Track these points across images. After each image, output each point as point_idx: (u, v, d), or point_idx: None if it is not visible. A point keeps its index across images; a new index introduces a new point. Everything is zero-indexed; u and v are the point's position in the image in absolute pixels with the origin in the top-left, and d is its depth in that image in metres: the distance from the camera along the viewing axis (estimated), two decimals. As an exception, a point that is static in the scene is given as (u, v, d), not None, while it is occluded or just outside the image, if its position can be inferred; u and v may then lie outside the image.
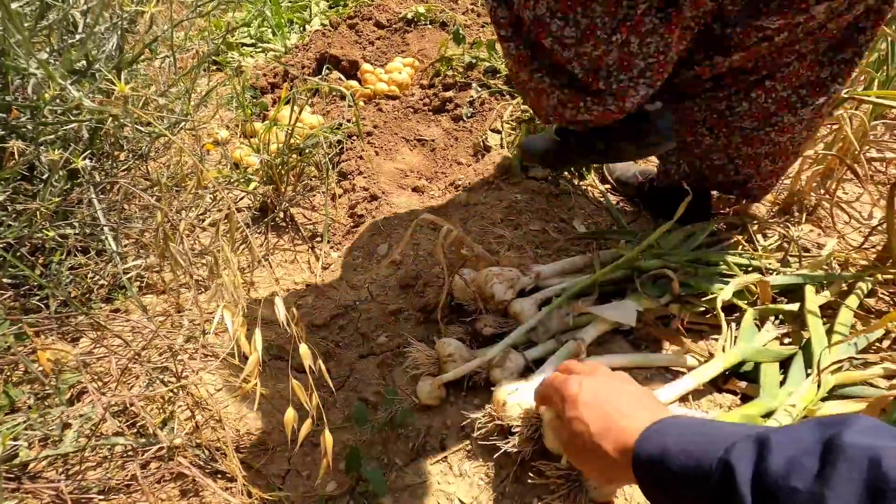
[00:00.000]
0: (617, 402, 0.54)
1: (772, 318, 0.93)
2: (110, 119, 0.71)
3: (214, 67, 1.86)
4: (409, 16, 2.17)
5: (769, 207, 1.35)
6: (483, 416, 0.73)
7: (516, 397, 0.71)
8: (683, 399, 0.80)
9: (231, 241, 0.61)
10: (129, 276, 0.81)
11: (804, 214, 1.28)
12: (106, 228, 0.74)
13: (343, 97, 1.73)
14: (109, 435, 0.62)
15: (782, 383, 0.79)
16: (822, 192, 1.31)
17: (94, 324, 0.72)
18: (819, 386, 0.74)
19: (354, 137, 1.48)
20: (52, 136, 0.83)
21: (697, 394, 0.83)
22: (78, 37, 0.79)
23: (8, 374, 0.80)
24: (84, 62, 0.88)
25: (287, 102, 1.30)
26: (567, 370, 0.65)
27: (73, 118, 0.78)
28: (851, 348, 0.84)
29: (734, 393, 0.85)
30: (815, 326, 0.84)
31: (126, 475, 0.74)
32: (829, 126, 1.33)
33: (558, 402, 0.59)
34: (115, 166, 1.06)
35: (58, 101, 0.87)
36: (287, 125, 1.23)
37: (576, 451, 0.55)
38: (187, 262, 0.67)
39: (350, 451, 0.75)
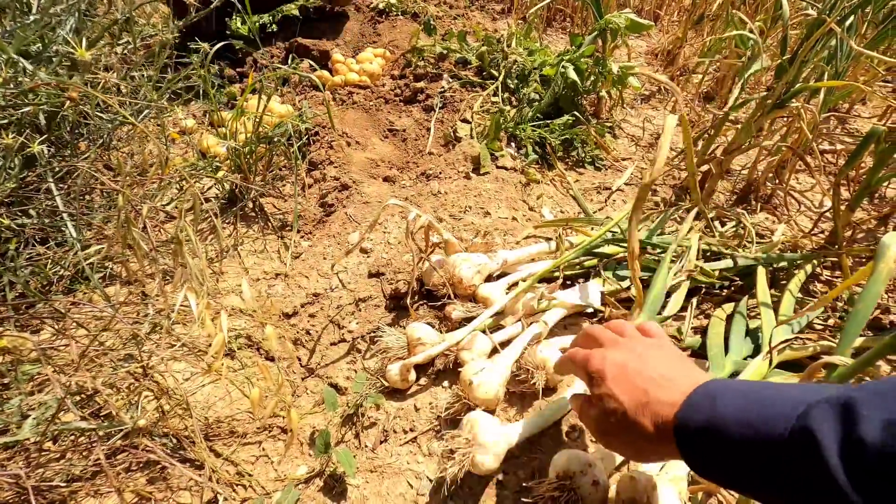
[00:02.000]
0: (649, 371, 0.48)
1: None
2: (67, 104, 0.69)
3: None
4: (381, 6, 2.16)
5: (727, 196, 1.40)
6: (451, 397, 0.75)
7: (481, 377, 0.73)
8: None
9: (196, 224, 0.61)
10: (90, 262, 0.79)
11: (759, 203, 1.34)
12: (65, 216, 0.72)
13: (315, 87, 1.71)
14: (71, 422, 0.61)
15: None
16: (777, 181, 1.37)
17: (54, 312, 0.70)
18: (770, 362, 0.79)
19: (325, 127, 1.47)
20: (5, 121, 0.80)
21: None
22: (32, 17, 0.76)
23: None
24: (40, 45, 0.85)
25: (254, 91, 1.28)
26: (588, 338, 0.58)
27: (28, 101, 0.75)
28: (789, 329, 0.88)
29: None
30: (765, 306, 0.88)
31: (91, 464, 0.74)
32: (783, 118, 1.39)
33: (583, 378, 0.54)
34: (74, 154, 1.03)
35: (11, 85, 0.84)
36: (255, 113, 1.21)
37: (608, 431, 0.49)
38: (150, 247, 0.66)
39: (319, 434, 0.76)
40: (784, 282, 1.03)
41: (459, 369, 0.79)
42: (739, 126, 1.25)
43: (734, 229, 1.19)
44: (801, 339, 0.85)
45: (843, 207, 1.06)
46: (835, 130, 1.77)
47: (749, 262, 0.98)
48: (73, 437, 0.75)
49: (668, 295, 0.92)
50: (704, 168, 1.36)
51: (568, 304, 0.88)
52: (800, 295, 0.97)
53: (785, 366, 0.82)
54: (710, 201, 1.34)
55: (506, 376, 0.76)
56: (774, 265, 1.02)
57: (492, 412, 0.76)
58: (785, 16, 1.15)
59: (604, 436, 0.51)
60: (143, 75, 1.24)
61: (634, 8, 2.52)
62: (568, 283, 0.95)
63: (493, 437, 0.65)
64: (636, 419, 0.46)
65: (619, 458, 0.69)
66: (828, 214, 1.24)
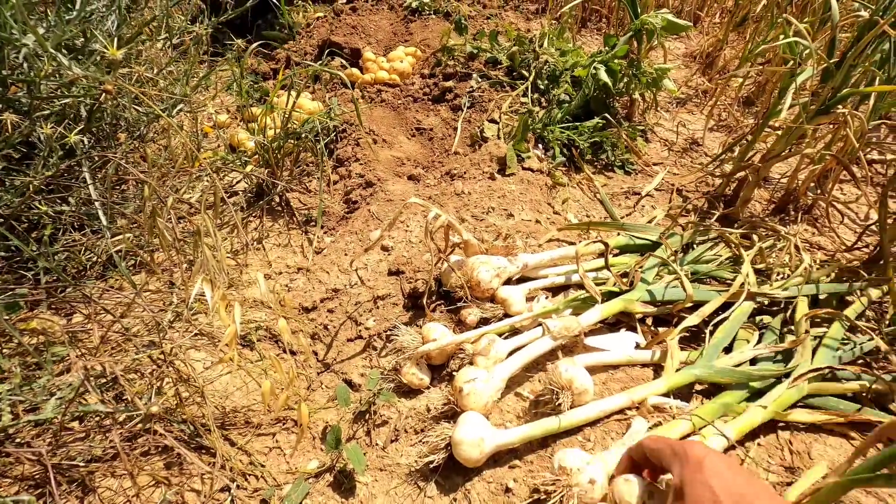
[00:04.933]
0: (749, 489, 0.47)
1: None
2: (104, 96, 0.71)
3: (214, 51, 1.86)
4: (414, 5, 2.16)
5: (764, 206, 1.34)
6: (439, 398, 0.74)
7: (473, 385, 0.71)
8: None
9: (218, 217, 0.62)
10: (118, 249, 0.81)
11: (799, 213, 1.27)
12: (97, 203, 0.75)
13: (344, 84, 1.73)
14: (90, 404, 0.63)
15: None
16: (819, 191, 1.30)
17: (84, 297, 0.73)
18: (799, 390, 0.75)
19: (352, 124, 1.48)
20: (47, 112, 0.84)
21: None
22: (75, 13, 0.79)
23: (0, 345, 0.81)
24: (81, 39, 0.88)
25: (284, 87, 1.30)
26: (663, 445, 0.57)
27: (67, 94, 0.78)
28: (835, 359, 0.83)
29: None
30: (804, 341, 0.83)
31: (109, 446, 0.76)
32: (829, 125, 1.32)
33: (669, 459, 0.54)
34: (112, 146, 1.07)
35: (55, 76, 0.88)
36: (284, 109, 1.23)
37: None
38: (174, 236, 0.68)
39: (331, 430, 0.76)
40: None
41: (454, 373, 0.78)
42: (780, 132, 1.19)
43: (771, 242, 1.13)
44: (839, 370, 0.80)
45: (890, 221, 1.00)
46: (885, 139, 1.67)
47: (792, 293, 0.93)
48: (97, 419, 0.78)
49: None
50: (741, 175, 1.30)
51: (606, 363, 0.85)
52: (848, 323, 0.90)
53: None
54: (745, 210, 1.28)
55: (499, 388, 0.75)
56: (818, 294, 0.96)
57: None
58: (834, 17, 1.09)
59: None
60: (178, 70, 1.28)
61: (673, 9, 2.44)
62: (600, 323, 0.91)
63: (475, 434, 0.65)
64: None
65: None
66: (873, 228, 1.17)
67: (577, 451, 0.65)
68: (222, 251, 0.57)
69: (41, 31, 0.86)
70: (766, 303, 0.97)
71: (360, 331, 0.98)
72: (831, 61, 1.08)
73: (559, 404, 0.71)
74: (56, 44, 0.74)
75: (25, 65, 0.81)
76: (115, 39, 0.75)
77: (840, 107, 1.09)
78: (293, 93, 1.24)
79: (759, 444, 0.78)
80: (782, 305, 0.96)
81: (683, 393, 0.82)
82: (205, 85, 1.52)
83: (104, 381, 0.77)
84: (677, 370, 0.80)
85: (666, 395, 0.78)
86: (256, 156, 1.30)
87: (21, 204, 0.78)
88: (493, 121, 1.48)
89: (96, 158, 1.00)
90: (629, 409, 0.77)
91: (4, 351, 0.80)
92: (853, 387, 0.80)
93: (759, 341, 0.89)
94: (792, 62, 1.14)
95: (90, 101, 0.77)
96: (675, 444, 0.55)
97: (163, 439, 0.73)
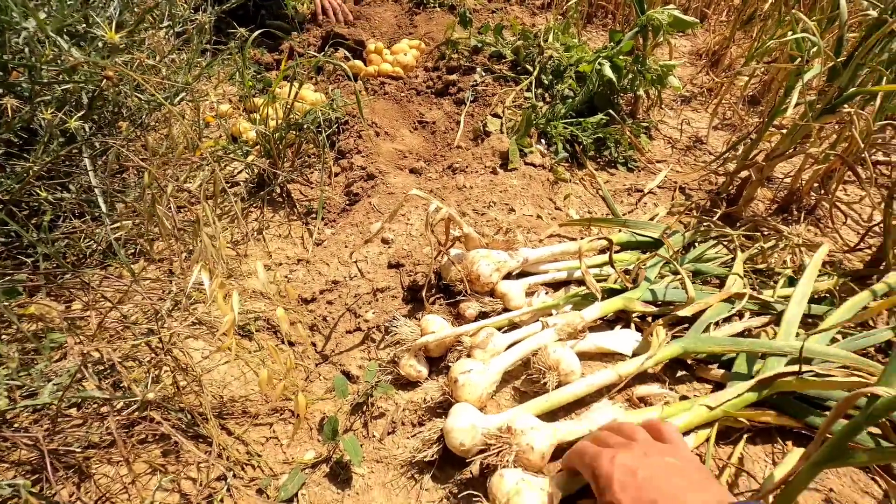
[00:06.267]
0: (664, 484, 0.45)
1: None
2: (105, 82, 0.71)
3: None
4: (419, -3, 2.15)
5: (767, 205, 1.34)
6: (436, 390, 0.74)
7: (469, 377, 0.71)
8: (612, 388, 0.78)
9: (217, 206, 0.62)
10: (117, 237, 0.81)
11: (801, 213, 1.27)
12: (97, 191, 0.74)
13: (348, 76, 1.72)
14: (86, 390, 0.63)
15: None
16: (823, 192, 1.29)
17: (82, 283, 0.72)
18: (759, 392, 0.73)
19: (355, 116, 1.48)
20: (48, 97, 0.84)
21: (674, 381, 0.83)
22: (76, -2, 0.79)
23: (-2, 330, 0.81)
24: (83, 24, 0.88)
25: (287, 78, 1.29)
26: (597, 441, 0.56)
27: (69, 80, 0.78)
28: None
29: (708, 381, 0.84)
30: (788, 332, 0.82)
31: (108, 433, 0.76)
32: (833, 125, 1.31)
33: (589, 478, 0.51)
34: (114, 134, 1.07)
35: (56, 63, 0.87)
36: (286, 99, 1.22)
37: None
38: (173, 225, 0.67)
39: (328, 421, 0.76)
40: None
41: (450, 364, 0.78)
42: (784, 131, 1.18)
43: (772, 242, 1.12)
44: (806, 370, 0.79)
45: (894, 222, 0.99)
46: (892, 141, 1.66)
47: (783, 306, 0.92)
48: (94, 407, 0.78)
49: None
50: (744, 174, 1.30)
51: (601, 349, 0.84)
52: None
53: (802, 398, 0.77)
54: (748, 209, 1.27)
55: (495, 381, 0.74)
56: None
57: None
58: (843, 15, 1.08)
59: None
60: (180, 58, 1.27)
61: (680, 6, 2.42)
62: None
63: (466, 422, 0.65)
64: None
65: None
66: (877, 229, 1.16)
67: (531, 417, 0.66)
68: (221, 240, 0.56)
69: (42, 15, 0.86)
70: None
71: (358, 323, 0.97)
72: (838, 60, 1.07)
73: (545, 383, 0.71)
74: (57, 28, 0.74)
75: (27, 49, 0.81)
76: (116, 25, 0.75)
77: (846, 106, 1.08)
78: (296, 83, 1.23)
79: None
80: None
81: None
82: (207, 74, 1.51)
83: (102, 368, 0.77)
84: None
85: (654, 371, 0.77)
86: (258, 146, 1.30)
87: (21, 190, 0.78)
88: (496, 115, 1.48)
89: (97, 146, 0.99)
90: (616, 385, 0.76)
91: (3, 337, 0.80)
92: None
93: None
94: (799, 60, 1.13)
95: (92, 87, 0.77)
96: (588, 454, 0.52)
97: (160, 427, 0.73)
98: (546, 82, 1.57)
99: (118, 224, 0.78)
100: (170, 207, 0.68)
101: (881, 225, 1.05)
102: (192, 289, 0.75)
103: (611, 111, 1.45)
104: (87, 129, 0.98)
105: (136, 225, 1.00)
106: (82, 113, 0.89)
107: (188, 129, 0.71)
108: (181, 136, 1.14)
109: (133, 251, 1.07)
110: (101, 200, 0.75)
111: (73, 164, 1.00)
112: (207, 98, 1.27)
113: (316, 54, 1.79)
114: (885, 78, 1.12)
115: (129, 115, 1.15)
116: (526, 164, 1.32)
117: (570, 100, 1.47)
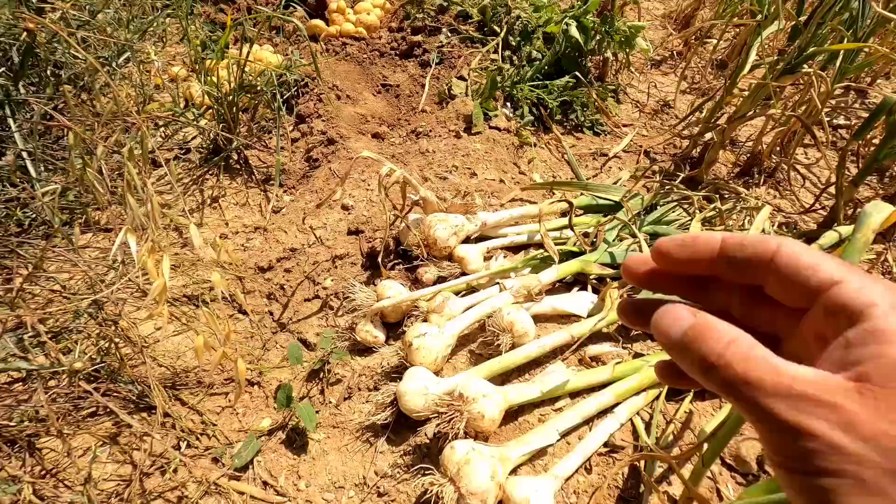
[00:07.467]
0: None
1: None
2: (24, 35, 0.65)
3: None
4: (383, -47, 2.04)
5: (729, 168, 1.35)
6: (393, 355, 0.74)
7: (423, 340, 0.71)
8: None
9: (145, 168, 0.58)
10: (48, 201, 0.77)
11: (762, 176, 1.28)
12: (24, 153, 0.70)
13: (310, 37, 1.65)
14: (11, 360, 0.60)
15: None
16: (783, 154, 1.31)
17: (15, 253, 0.69)
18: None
19: (315, 79, 1.42)
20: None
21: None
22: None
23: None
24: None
25: (238, 40, 1.22)
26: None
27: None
28: None
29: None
30: None
31: (58, 408, 0.74)
32: (796, 87, 1.32)
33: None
34: (55, 97, 1.00)
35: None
36: (239, 59, 1.16)
37: None
38: (107, 189, 0.64)
39: (281, 388, 0.75)
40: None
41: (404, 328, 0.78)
42: (746, 93, 1.18)
43: (732, 204, 1.14)
44: None
45: (846, 184, 1.01)
46: (853, 105, 1.68)
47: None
48: (42, 380, 0.75)
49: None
50: (708, 137, 1.30)
51: (558, 311, 0.84)
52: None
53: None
54: (710, 172, 1.28)
55: (450, 344, 0.74)
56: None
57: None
58: (806, -27, 1.07)
59: None
60: (125, 15, 1.19)
61: (654, -34, 2.36)
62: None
63: (419, 384, 0.65)
64: None
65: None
66: (831, 190, 1.18)
67: (483, 382, 0.66)
68: (154, 202, 0.53)
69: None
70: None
71: (317, 290, 0.96)
72: (800, 19, 1.06)
73: (500, 345, 0.71)
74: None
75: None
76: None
77: (806, 66, 1.08)
78: (248, 42, 1.17)
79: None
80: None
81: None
82: (155, 33, 1.42)
83: (43, 339, 0.74)
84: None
85: (608, 331, 0.78)
86: (211, 110, 1.23)
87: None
88: (461, 78, 1.44)
89: (35, 108, 0.93)
90: (570, 346, 0.77)
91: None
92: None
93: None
94: (759, 16, 1.11)
95: (11, 40, 0.71)
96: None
97: (102, 399, 0.72)
98: (514, 44, 1.53)
99: (48, 189, 0.73)
100: (101, 171, 0.64)
101: (835, 185, 1.07)
102: (113, 254, 0.72)
103: (578, 74, 1.43)
104: (22, 91, 0.92)
105: (78, 194, 0.95)
106: (14, 72, 0.83)
107: (130, 91, 0.66)
108: (126, 98, 1.08)
109: (81, 221, 1.02)
110: (29, 164, 0.70)
111: (7, 129, 0.93)
112: (153, 59, 1.19)
113: (271, 12, 1.70)
114: (844, 38, 1.12)
115: (71, 78, 1.08)
116: (490, 127, 1.29)
117: (538, 62, 1.44)
